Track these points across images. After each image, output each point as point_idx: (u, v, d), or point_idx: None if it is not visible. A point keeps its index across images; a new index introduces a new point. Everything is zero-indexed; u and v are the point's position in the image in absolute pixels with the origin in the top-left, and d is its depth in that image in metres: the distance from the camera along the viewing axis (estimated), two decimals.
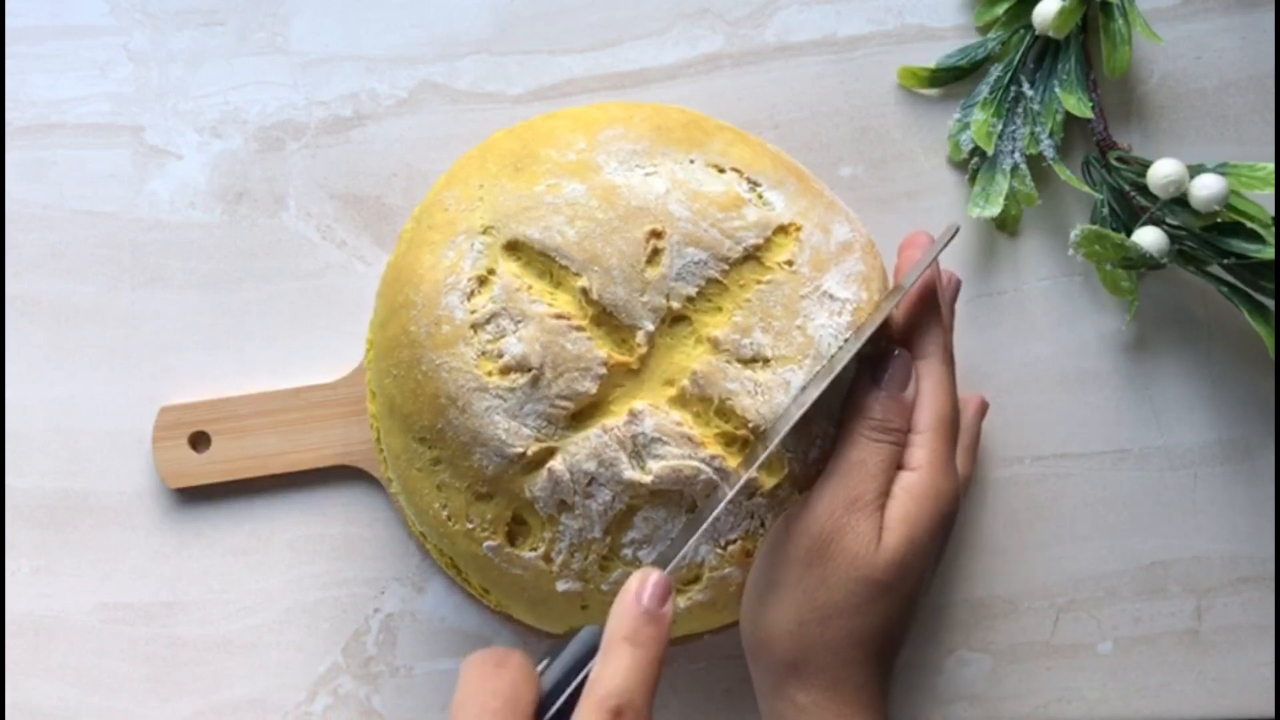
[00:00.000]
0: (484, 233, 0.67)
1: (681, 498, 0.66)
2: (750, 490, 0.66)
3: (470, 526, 0.67)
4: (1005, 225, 0.81)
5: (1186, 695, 0.80)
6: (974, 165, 0.81)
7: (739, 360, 0.66)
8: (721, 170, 0.69)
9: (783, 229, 0.68)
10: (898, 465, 0.66)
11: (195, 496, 0.80)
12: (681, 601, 0.67)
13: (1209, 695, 0.80)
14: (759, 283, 0.67)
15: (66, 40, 0.82)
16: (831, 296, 0.67)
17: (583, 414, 0.66)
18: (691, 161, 0.69)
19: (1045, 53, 0.80)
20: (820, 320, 0.67)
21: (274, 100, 0.82)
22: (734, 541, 0.67)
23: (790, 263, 0.67)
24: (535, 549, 0.67)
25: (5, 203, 0.81)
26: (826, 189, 0.71)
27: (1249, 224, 0.75)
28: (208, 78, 0.82)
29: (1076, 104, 0.78)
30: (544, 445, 0.65)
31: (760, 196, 0.69)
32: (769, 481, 0.66)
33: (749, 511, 0.67)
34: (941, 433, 0.66)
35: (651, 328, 0.66)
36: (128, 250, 0.81)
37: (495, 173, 0.69)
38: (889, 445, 0.65)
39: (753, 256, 0.67)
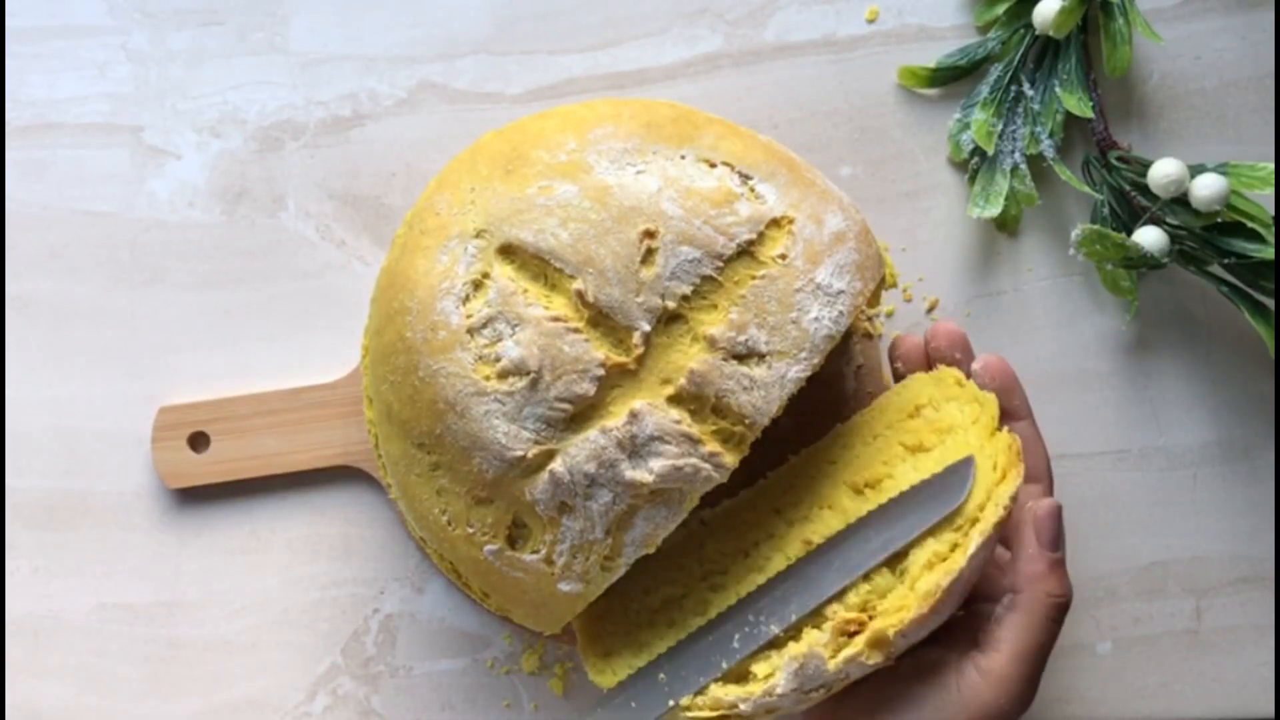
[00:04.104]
0: (477, 236, 0.67)
1: (681, 495, 0.66)
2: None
3: (470, 531, 0.67)
4: (1005, 225, 0.81)
5: (1186, 695, 0.80)
6: (974, 165, 0.81)
7: (735, 357, 0.66)
8: (712, 165, 0.69)
9: (775, 222, 0.68)
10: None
11: (195, 497, 0.80)
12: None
13: (1208, 695, 0.80)
14: (753, 278, 0.67)
15: (65, 40, 0.82)
16: (825, 288, 0.67)
17: (581, 416, 0.65)
18: (682, 157, 0.69)
19: (1045, 53, 0.80)
20: (814, 313, 0.67)
21: (273, 100, 0.82)
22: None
23: (784, 256, 0.67)
24: (536, 551, 0.67)
25: (5, 203, 0.81)
26: (820, 176, 0.71)
27: (1249, 224, 0.75)
28: (206, 77, 0.82)
29: (1077, 104, 0.78)
30: (544, 448, 0.65)
31: (752, 190, 0.69)
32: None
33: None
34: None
35: (648, 328, 0.66)
36: (127, 250, 0.81)
37: (486, 175, 0.69)
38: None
39: (746, 252, 0.67)
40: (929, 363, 0.73)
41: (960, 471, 0.65)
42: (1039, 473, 0.70)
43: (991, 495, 0.64)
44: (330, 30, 0.82)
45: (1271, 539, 0.80)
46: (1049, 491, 0.71)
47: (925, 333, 0.73)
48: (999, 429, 0.68)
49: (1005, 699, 0.64)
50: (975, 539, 0.63)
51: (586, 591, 0.67)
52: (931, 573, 0.63)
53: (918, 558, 0.64)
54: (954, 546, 0.64)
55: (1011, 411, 0.70)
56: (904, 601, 0.63)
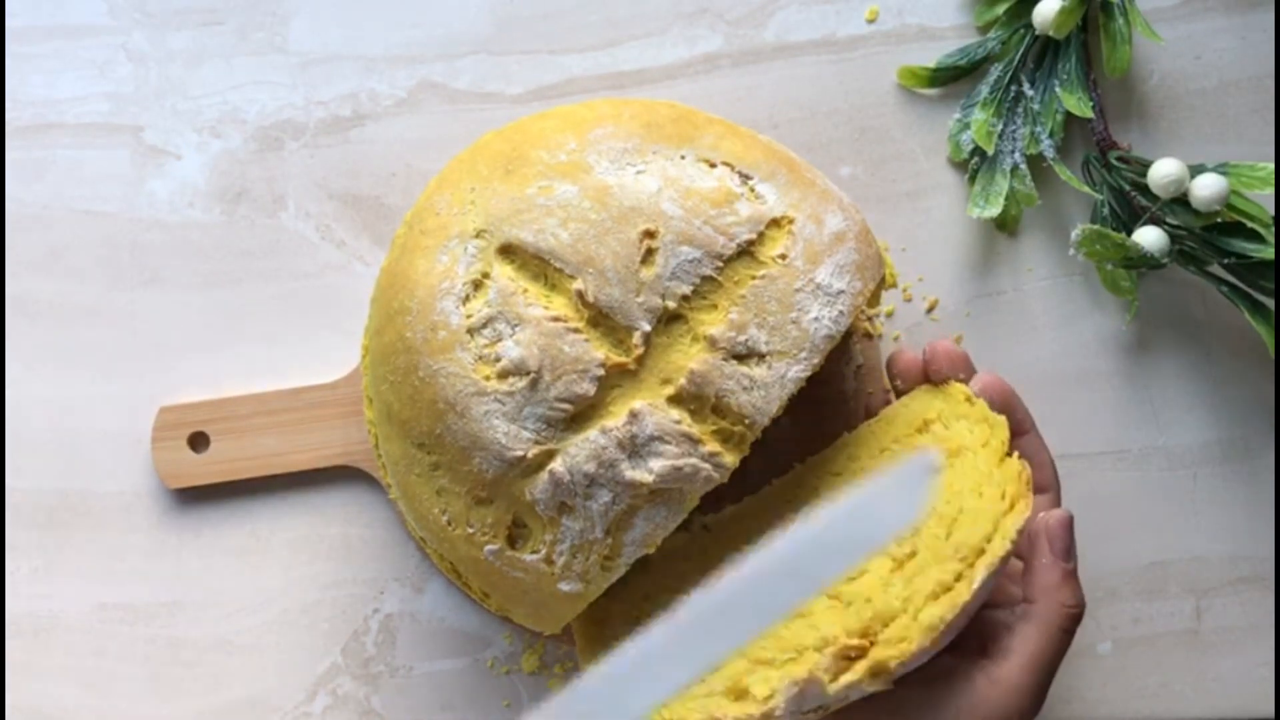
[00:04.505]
0: (477, 236, 0.67)
1: (681, 495, 0.66)
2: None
3: (470, 531, 0.67)
4: (1005, 225, 0.81)
5: (1186, 695, 0.80)
6: (974, 165, 0.81)
7: (735, 357, 0.66)
8: (713, 165, 0.69)
9: (775, 222, 0.68)
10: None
11: (194, 497, 0.80)
12: None
13: (1208, 695, 0.80)
14: (753, 278, 0.67)
15: (65, 40, 0.82)
16: (825, 288, 0.67)
17: (581, 416, 0.65)
18: (682, 157, 0.69)
19: (1045, 52, 0.80)
20: (814, 313, 0.67)
21: (273, 100, 0.82)
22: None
23: (784, 256, 0.67)
24: (536, 551, 0.67)
25: (5, 203, 0.81)
26: (820, 177, 0.71)
27: (1249, 224, 0.75)
28: (207, 77, 0.82)
29: (1077, 104, 0.78)
30: (544, 448, 0.65)
31: (752, 190, 0.69)
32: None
33: None
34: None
35: (648, 328, 0.66)
36: (127, 250, 0.81)
37: (486, 175, 0.69)
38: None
39: (746, 252, 0.67)
40: (928, 381, 0.72)
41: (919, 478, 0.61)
42: (1047, 483, 0.70)
43: (999, 527, 0.63)
44: (330, 30, 0.82)
45: (1271, 539, 0.80)
46: (1058, 501, 0.70)
47: (924, 351, 0.72)
48: (1009, 454, 0.67)
49: (1014, 708, 0.64)
50: (981, 572, 0.62)
51: (587, 591, 0.67)
52: (935, 604, 0.62)
53: (922, 587, 0.63)
54: (958, 577, 0.63)
55: (1014, 427, 0.69)
56: (906, 632, 0.62)
